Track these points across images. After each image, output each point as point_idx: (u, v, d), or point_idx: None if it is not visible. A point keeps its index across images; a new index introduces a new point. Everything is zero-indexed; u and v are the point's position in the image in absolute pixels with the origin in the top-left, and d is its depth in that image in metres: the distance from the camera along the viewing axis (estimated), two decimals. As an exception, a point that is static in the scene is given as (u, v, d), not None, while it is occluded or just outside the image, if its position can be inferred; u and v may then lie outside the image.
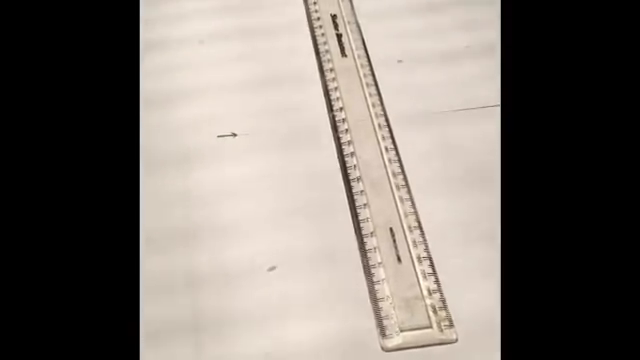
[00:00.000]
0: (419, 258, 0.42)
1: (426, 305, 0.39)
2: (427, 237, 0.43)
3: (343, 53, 0.54)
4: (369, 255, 0.42)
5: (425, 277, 0.41)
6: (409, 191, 0.45)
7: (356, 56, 0.54)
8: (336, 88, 0.51)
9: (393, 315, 0.39)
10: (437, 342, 0.38)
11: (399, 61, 0.52)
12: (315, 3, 0.58)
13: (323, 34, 0.55)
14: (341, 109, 0.50)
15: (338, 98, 0.50)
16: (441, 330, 0.38)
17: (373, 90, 0.51)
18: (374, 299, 0.40)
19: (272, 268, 0.41)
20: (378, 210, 0.44)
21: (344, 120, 0.49)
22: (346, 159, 0.47)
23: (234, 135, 0.48)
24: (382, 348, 0.38)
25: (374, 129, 0.49)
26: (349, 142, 0.48)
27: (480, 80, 0.51)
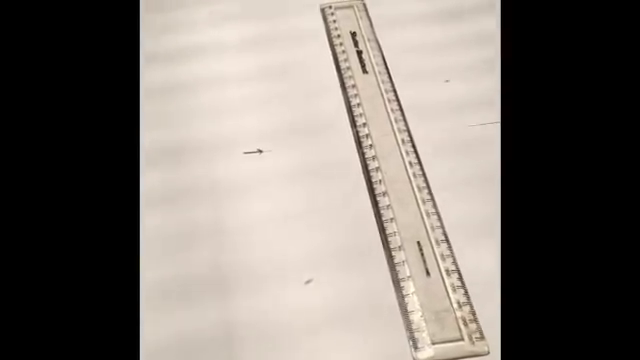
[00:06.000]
0: (447, 271, 0.42)
1: (456, 318, 0.40)
2: (454, 250, 0.43)
3: (364, 69, 0.55)
4: (398, 269, 0.42)
5: (454, 290, 0.41)
6: (435, 205, 0.45)
7: (377, 72, 0.54)
8: (359, 104, 0.52)
9: (424, 328, 0.39)
10: (469, 354, 0.38)
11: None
12: (335, 21, 0.58)
13: (344, 51, 0.56)
14: (364, 125, 0.50)
15: (361, 114, 0.51)
16: (472, 342, 0.39)
17: (395, 106, 0.52)
18: (404, 312, 0.40)
19: (309, 281, 0.42)
20: (405, 224, 0.44)
21: (367, 136, 0.50)
22: (371, 174, 0.47)
23: (260, 152, 0.49)
24: (414, 361, 0.38)
25: (397, 144, 0.49)
26: (374, 157, 0.48)
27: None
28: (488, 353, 0.38)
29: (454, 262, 0.42)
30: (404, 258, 0.43)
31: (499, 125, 0.50)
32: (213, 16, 0.60)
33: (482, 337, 0.39)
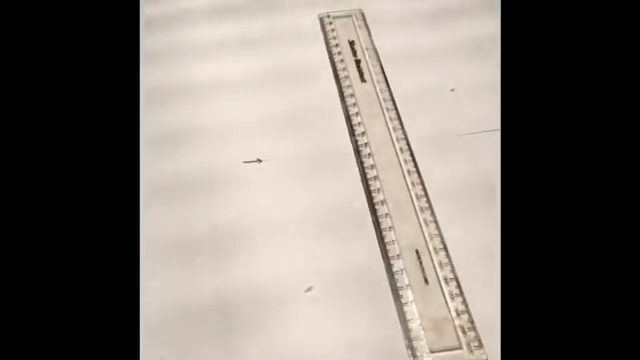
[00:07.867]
0: (446, 279, 0.42)
1: (455, 326, 0.40)
2: (452, 258, 0.43)
3: (362, 78, 0.55)
4: (396, 277, 0.42)
5: (453, 298, 0.41)
6: (433, 213, 0.46)
7: (375, 81, 0.55)
8: (357, 113, 0.52)
9: (423, 336, 0.40)
10: (467, 362, 0.39)
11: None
12: (333, 30, 0.59)
13: (342, 60, 0.56)
14: (363, 134, 0.51)
15: (360, 123, 0.51)
16: (471, 351, 0.39)
17: (393, 114, 0.52)
18: (403, 320, 0.40)
19: (309, 289, 0.42)
20: (403, 233, 0.45)
21: (366, 144, 0.50)
22: (370, 182, 0.48)
23: (259, 161, 0.49)
24: (413, 369, 0.39)
25: (396, 153, 0.49)
26: (372, 166, 0.48)
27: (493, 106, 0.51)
28: (486, 361, 0.39)
29: (452, 270, 0.43)
30: (402, 266, 0.43)
31: (498, 133, 0.50)
32: (214, 31, 0.60)
33: (480, 345, 0.39)
